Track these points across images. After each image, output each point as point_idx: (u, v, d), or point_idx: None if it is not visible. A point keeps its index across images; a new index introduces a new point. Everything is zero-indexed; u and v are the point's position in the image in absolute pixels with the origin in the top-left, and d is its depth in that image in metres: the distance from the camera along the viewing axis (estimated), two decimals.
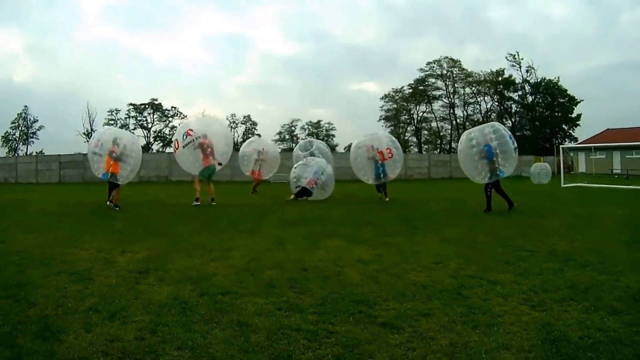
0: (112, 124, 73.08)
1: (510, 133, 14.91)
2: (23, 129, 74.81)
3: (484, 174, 14.23)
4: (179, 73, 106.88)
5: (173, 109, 77.24)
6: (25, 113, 74.77)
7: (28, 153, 70.35)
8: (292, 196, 17.87)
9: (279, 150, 23.15)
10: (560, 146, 33.28)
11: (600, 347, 3.65)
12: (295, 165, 19.27)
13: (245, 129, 79.06)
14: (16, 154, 68.67)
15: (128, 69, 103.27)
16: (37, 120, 74.17)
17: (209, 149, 16.77)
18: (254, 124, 79.98)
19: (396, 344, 3.77)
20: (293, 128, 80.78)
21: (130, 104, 77.66)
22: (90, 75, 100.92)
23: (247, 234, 9.28)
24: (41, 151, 69.05)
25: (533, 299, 4.90)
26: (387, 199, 17.83)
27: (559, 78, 67.82)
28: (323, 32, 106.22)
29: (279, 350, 3.65)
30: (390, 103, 78.97)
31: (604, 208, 13.88)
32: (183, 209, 13.93)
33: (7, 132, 73.89)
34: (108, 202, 14.57)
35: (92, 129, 70.10)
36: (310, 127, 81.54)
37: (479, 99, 74.76)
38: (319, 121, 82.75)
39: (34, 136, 74.73)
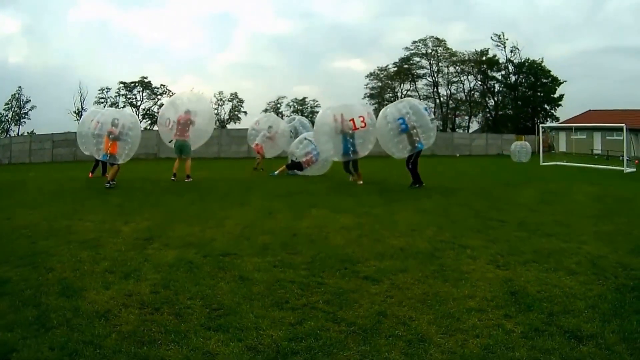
0: (102, 103, 72.46)
1: (425, 106, 15.41)
2: (16, 109, 74.05)
3: (402, 147, 14.37)
4: (167, 51, 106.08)
5: (162, 86, 76.22)
6: (18, 94, 74.50)
7: (20, 134, 69.66)
8: (282, 168, 17.93)
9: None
10: (540, 125, 33.90)
11: (555, 299, 4.22)
12: (300, 140, 18.43)
13: (232, 106, 78.10)
14: (8, 135, 68.01)
15: (118, 48, 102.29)
16: (30, 100, 73.21)
17: (180, 126, 15.96)
18: (241, 101, 78.60)
19: (376, 292, 4.35)
20: (279, 105, 79.89)
21: (121, 82, 76.35)
22: (81, 54, 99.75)
23: (238, 206, 9.78)
24: (32, 131, 68.50)
25: (499, 260, 5.48)
26: (361, 181, 15.14)
27: (542, 59, 68.01)
28: (310, 10, 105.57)
29: (277, 297, 4.22)
30: (375, 81, 78.88)
31: (577, 185, 14.42)
32: (174, 185, 14.22)
33: (0, 113, 74.01)
34: (108, 184, 13.70)
35: (82, 108, 69.38)
36: (295, 104, 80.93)
37: (462, 78, 74.82)
38: (304, 98, 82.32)
39: (26, 116, 73.91)
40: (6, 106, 73.67)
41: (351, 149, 15.16)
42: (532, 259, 5.60)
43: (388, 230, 7.15)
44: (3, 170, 27.87)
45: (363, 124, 15.14)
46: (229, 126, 72.59)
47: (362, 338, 3.36)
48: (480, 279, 4.77)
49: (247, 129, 23.61)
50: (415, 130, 14.30)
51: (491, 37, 70.30)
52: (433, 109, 78.02)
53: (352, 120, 15.11)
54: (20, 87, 74.23)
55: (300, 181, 15.26)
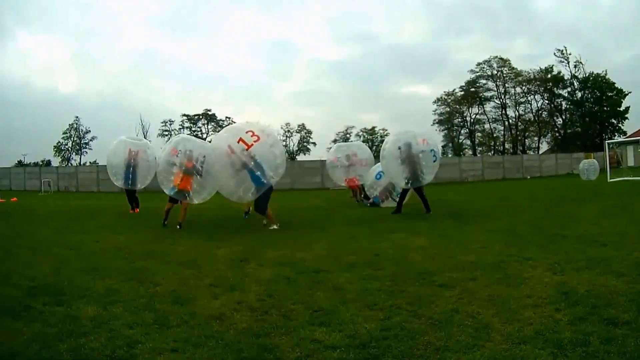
0: (166, 135, 75.47)
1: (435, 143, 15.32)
2: (75, 139, 77.86)
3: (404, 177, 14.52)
4: (225, 80, 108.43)
5: (227, 119, 78.21)
6: (76, 124, 77.72)
7: (82, 163, 73.78)
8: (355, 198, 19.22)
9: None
10: (605, 142, 33.69)
11: (600, 296, 4.89)
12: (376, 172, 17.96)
13: (300, 138, 79.72)
14: (69, 164, 72.10)
15: (174, 77, 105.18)
16: (90, 130, 77.00)
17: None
18: (309, 132, 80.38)
19: (450, 296, 5.18)
20: (348, 135, 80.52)
21: (184, 115, 79.21)
22: (136, 83, 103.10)
23: (321, 231, 10.91)
24: (95, 161, 72.49)
25: (556, 268, 6.19)
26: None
27: (606, 71, 66.89)
28: (368, 33, 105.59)
29: (368, 301, 5.08)
30: (443, 106, 78.80)
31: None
32: (252, 216, 14.28)
33: (59, 142, 77.03)
34: (179, 226, 12.23)
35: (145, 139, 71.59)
36: (365, 133, 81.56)
37: (529, 98, 74.12)
38: (373, 128, 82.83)
39: (87, 146, 77.82)
40: (64, 135, 77.83)
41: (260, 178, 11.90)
42: (585, 265, 6.29)
43: (460, 248, 7.98)
44: (74, 197, 30.11)
45: (256, 138, 11.82)
46: (298, 158, 74.49)
47: (438, 327, 4.19)
48: (538, 283, 5.52)
49: (318, 160, 23.94)
50: (416, 165, 14.36)
51: (554, 53, 70.01)
52: (502, 132, 78.59)
53: (240, 139, 11.81)
54: (77, 116, 78.19)
55: (375, 208, 16.41)
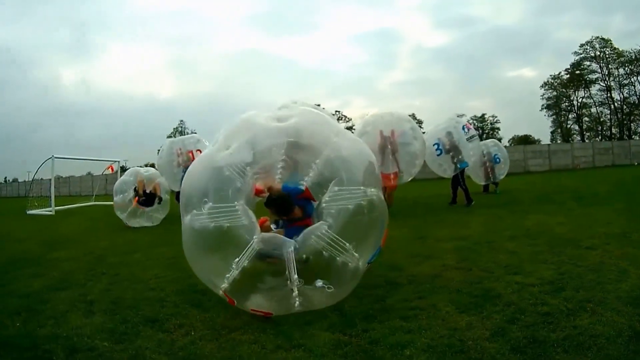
0: None
1: (463, 124, 16.36)
2: None
3: (445, 168, 16.03)
4: (330, 74, 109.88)
5: (337, 112, 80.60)
6: (181, 127, 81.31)
7: None
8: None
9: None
10: None
11: None
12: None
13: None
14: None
15: (275, 74, 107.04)
16: (195, 133, 78.02)
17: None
18: (420, 122, 79.06)
19: (595, 254, 7.22)
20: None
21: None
22: (237, 84, 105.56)
23: (467, 214, 13.52)
24: None
25: None
26: None
27: None
28: (468, 16, 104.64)
29: (539, 259, 7.17)
30: (550, 91, 77.61)
31: None
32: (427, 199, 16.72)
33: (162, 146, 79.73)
34: None
35: None
36: (475, 121, 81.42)
37: (632, 80, 71.62)
38: (483, 115, 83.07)
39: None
40: (169, 138, 78.84)
41: None
42: None
43: (590, 223, 10.04)
44: None
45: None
46: None
47: (594, 271, 6.21)
48: None
49: None
50: (451, 153, 15.83)
51: None
52: (609, 115, 75.78)
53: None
54: (182, 120, 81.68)
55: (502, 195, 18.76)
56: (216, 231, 5.22)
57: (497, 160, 20.33)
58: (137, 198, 15.91)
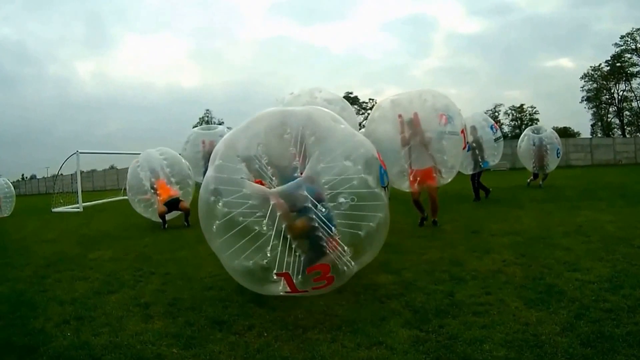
0: None
1: (491, 123, 16.21)
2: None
3: (466, 164, 15.70)
4: (362, 62, 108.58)
5: (370, 100, 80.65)
6: (207, 116, 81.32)
7: None
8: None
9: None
10: None
11: None
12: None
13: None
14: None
15: (308, 63, 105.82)
16: (223, 122, 77.47)
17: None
18: None
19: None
20: (497, 113, 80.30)
21: (325, 100, 79.55)
22: (265, 72, 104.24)
23: (518, 208, 13.80)
24: None
25: None
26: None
27: None
28: (504, 3, 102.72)
29: (596, 256, 7.42)
30: (590, 82, 75.78)
31: None
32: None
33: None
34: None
35: None
36: (513, 111, 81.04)
37: None
38: (521, 105, 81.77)
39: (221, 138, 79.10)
40: (195, 128, 78.38)
41: None
42: None
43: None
44: None
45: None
46: None
47: None
48: None
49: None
50: (476, 150, 15.71)
51: None
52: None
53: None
54: (208, 109, 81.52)
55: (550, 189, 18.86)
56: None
57: (559, 153, 20.29)
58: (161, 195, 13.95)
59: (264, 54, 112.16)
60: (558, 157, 20.33)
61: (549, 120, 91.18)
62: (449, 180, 11.34)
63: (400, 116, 10.57)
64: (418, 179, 10.77)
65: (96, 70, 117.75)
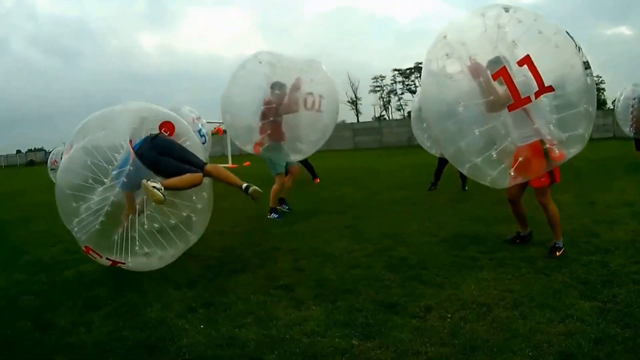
0: (377, 91, 78.32)
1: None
2: None
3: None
4: (430, 32, 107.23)
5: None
6: None
7: None
8: None
9: None
10: None
11: None
12: None
13: None
14: None
15: (376, 34, 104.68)
16: None
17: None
18: None
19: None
20: None
21: (395, 70, 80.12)
22: (333, 44, 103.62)
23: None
24: None
25: None
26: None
27: None
28: None
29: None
30: None
31: None
32: None
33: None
34: None
35: (357, 97, 76.81)
36: None
37: None
38: None
39: None
40: None
41: None
42: None
43: None
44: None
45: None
46: None
47: None
48: None
49: None
50: None
51: None
52: None
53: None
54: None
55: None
56: None
57: None
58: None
59: (330, 26, 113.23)
60: None
61: (615, 91, 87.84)
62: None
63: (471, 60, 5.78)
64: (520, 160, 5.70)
65: (161, 43, 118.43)
